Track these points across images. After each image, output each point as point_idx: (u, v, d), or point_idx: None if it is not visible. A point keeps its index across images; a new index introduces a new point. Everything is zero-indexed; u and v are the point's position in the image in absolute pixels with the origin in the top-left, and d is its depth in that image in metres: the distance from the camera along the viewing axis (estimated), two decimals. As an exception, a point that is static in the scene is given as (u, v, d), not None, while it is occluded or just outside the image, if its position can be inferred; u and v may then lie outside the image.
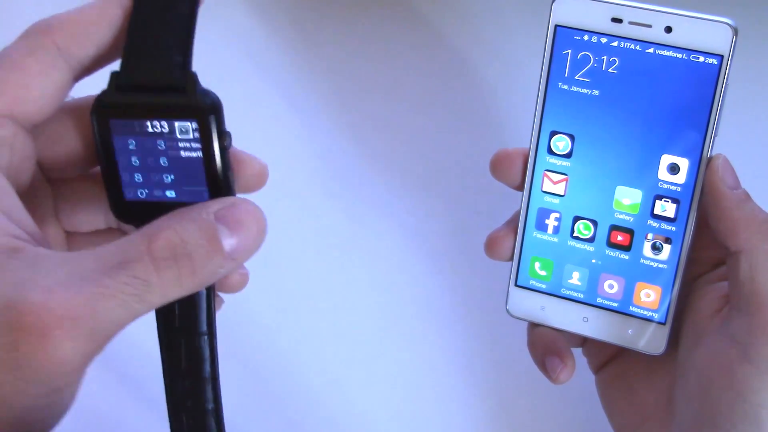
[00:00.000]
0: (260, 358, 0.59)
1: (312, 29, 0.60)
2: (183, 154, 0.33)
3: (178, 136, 0.33)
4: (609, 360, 0.46)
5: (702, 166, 0.41)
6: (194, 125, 0.32)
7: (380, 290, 0.60)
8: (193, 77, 0.32)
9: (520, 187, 0.45)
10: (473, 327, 0.58)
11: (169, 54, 0.32)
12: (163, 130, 0.33)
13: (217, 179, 0.33)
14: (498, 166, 0.45)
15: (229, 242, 0.31)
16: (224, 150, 0.33)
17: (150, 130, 0.33)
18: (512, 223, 0.46)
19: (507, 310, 0.47)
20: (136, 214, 0.34)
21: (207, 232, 0.31)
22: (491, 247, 0.46)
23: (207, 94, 0.33)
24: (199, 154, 0.33)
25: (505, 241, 0.46)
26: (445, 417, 0.58)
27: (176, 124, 0.32)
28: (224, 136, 0.33)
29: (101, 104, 0.33)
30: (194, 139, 0.33)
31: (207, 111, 0.32)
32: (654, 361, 0.44)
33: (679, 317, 0.43)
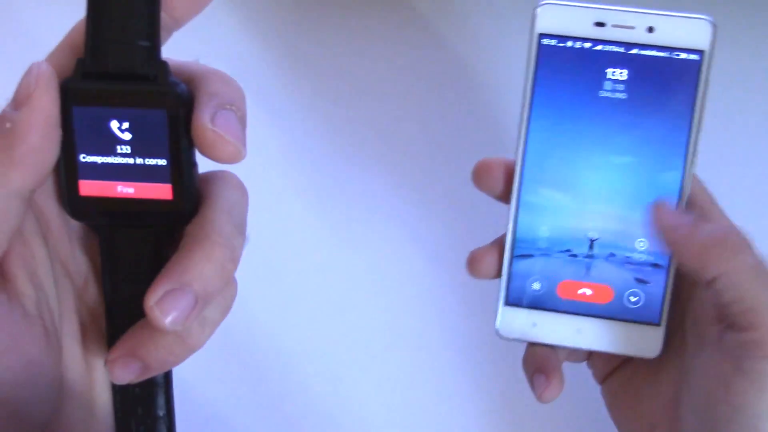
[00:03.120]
0: (260, 357, 0.58)
1: (300, 30, 0.60)
2: (148, 146, 0.31)
3: (146, 126, 0.31)
4: (614, 369, 0.46)
5: (689, 160, 0.42)
6: (164, 116, 0.31)
7: (381, 290, 0.60)
8: (165, 66, 0.31)
9: (502, 196, 0.44)
10: (475, 327, 0.58)
11: (136, 39, 0.31)
12: (130, 120, 0.31)
13: (182, 174, 0.32)
14: (479, 176, 0.44)
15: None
16: (192, 143, 0.32)
17: (115, 119, 0.31)
18: (496, 242, 0.45)
19: (497, 332, 0.45)
20: (91, 211, 0.32)
21: None
22: (474, 265, 0.44)
23: (178, 84, 0.31)
24: (166, 147, 0.31)
25: (488, 258, 0.44)
26: (446, 417, 0.58)
27: (145, 113, 0.31)
28: (193, 132, 0.32)
29: (64, 90, 0.31)
30: (162, 131, 0.31)
31: (178, 101, 0.31)
32: (659, 367, 0.44)
33: (683, 321, 0.43)
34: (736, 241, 0.39)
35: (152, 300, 0.30)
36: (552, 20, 0.41)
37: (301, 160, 0.60)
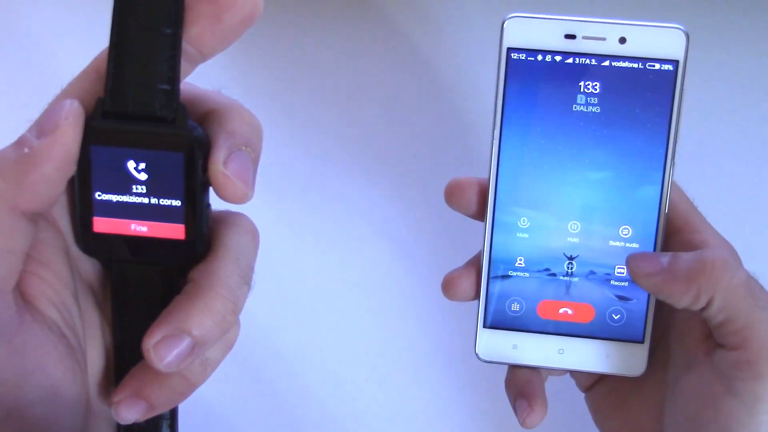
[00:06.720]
0: (260, 358, 0.59)
1: (281, 38, 0.60)
2: (164, 187, 0.32)
3: (162, 168, 0.32)
4: (597, 380, 0.45)
5: (667, 172, 0.41)
6: (181, 159, 0.31)
7: (378, 290, 0.60)
8: (183, 109, 0.31)
9: (476, 215, 0.43)
10: (470, 326, 0.57)
11: (157, 83, 0.31)
12: (147, 161, 0.32)
13: (195, 216, 0.32)
14: (451, 196, 0.43)
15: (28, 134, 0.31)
16: (207, 186, 0.32)
17: (132, 159, 0.32)
18: (472, 263, 0.43)
19: (477, 355, 0.44)
20: (103, 247, 0.33)
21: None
22: (449, 288, 0.43)
23: (195, 128, 0.32)
24: (181, 189, 0.32)
25: (463, 280, 0.43)
26: (443, 417, 0.58)
27: (162, 155, 0.31)
28: (207, 172, 0.32)
29: (84, 129, 0.31)
30: (178, 173, 0.32)
31: (195, 145, 0.31)
32: (642, 379, 0.43)
33: (666, 334, 0.42)
34: (718, 263, 0.38)
35: (149, 343, 0.31)
36: (521, 34, 0.40)
37: (296, 162, 0.61)
